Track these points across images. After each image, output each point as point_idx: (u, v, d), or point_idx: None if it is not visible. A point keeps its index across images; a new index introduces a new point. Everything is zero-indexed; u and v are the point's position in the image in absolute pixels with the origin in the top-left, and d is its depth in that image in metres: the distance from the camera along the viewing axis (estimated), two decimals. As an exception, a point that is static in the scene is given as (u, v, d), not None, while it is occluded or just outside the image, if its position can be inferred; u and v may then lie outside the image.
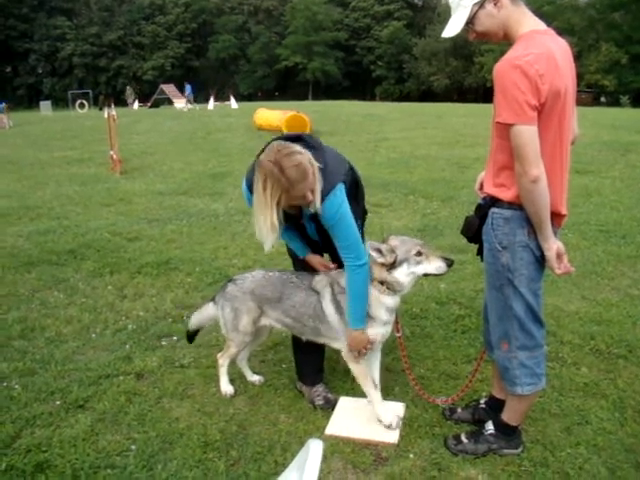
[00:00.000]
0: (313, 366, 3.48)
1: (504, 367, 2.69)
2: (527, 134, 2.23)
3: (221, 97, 51.65)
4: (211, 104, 36.54)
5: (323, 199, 2.77)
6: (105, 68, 74.77)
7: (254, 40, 76.72)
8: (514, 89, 2.20)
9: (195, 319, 3.62)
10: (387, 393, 3.43)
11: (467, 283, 5.14)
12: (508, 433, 2.84)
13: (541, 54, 2.23)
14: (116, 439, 3.03)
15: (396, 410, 3.22)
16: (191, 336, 3.72)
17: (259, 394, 3.49)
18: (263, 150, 2.81)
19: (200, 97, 55.14)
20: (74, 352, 4.02)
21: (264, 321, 3.35)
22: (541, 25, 2.41)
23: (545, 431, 3.06)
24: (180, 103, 38.61)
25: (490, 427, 2.89)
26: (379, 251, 2.89)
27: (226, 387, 3.49)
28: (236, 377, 3.64)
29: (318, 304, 3.11)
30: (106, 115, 13.22)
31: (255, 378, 3.64)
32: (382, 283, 2.96)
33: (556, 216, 2.44)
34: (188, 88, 40.39)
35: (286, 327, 3.32)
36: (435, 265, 2.89)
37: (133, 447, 2.95)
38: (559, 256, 2.44)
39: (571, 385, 3.50)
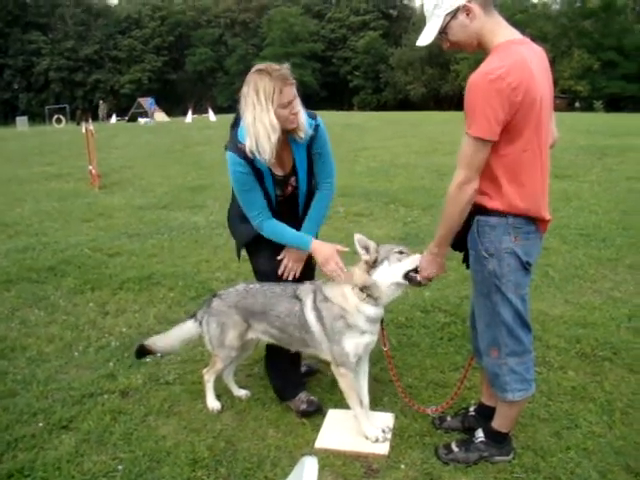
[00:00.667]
0: (292, 382, 3.48)
1: (494, 374, 2.69)
2: (487, 149, 2.31)
3: (199, 110, 51.48)
4: (189, 117, 36.48)
5: (314, 115, 3.15)
6: (82, 82, 74.18)
7: (231, 52, 76.77)
8: (484, 104, 2.25)
9: (163, 341, 3.51)
10: (376, 404, 3.41)
11: (451, 290, 5.15)
12: (499, 440, 2.84)
13: (515, 64, 2.26)
14: (102, 459, 2.97)
15: (385, 421, 3.20)
16: (142, 353, 3.56)
17: (246, 409, 3.44)
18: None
19: (178, 110, 55.00)
20: (57, 371, 3.94)
21: (251, 335, 3.32)
22: (517, 35, 2.44)
23: (535, 436, 3.05)
24: (144, 118, 38.30)
25: (480, 435, 2.88)
26: (366, 248, 2.90)
27: (213, 403, 3.45)
28: (222, 392, 3.60)
29: (301, 312, 3.09)
30: (84, 130, 13.14)
31: (242, 393, 3.60)
32: (362, 290, 2.94)
33: (540, 221, 2.46)
34: (150, 101, 40.01)
35: (273, 339, 3.29)
36: (414, 261, 2.87)
37: (120, 467, 2.89)
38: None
39: (559, 389, 3.51)
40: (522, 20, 44.42)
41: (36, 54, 72.19)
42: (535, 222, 2.45)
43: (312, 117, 3.13)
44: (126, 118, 46.01)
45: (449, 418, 3.21)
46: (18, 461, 2.97)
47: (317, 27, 73.28)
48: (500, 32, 2.40)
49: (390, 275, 2.90)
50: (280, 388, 3.51)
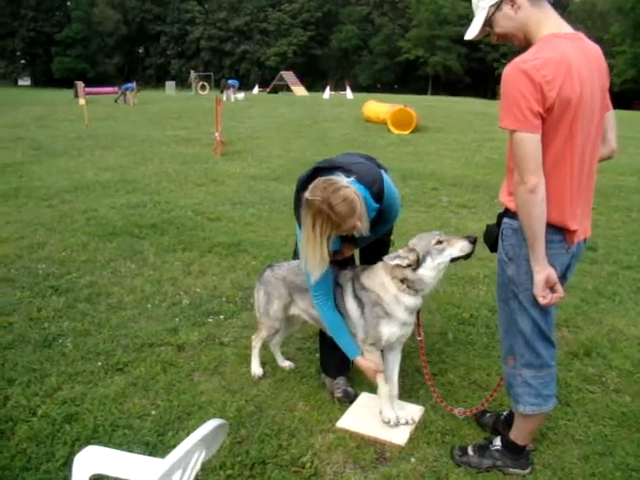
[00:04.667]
0: (337, 359, 3.52)
1: (509, 383, 2.62)
2: (528, 142, 2.16)
3: (339, 87, 52.26)
4: (327, 93, 37.07)
5: (380, 195, 2.95)
6: (230, 52, 77.75)
7: (377, 32, 76.77)
8: (517, 94, 2.13)
9: None
10: (411, 395, 3.43)
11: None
12: (515, 452, 2.75)
13: (551, 58, 2.14)
14: (141, 403, 3.24)
15: (412, 413, 3.21)
16: None
17: (285, 379, 3.58)
18: (303, 184, 2.87)
19: (319, 85, 56.04)
20: (129, 319, 4.31)
21: (294, 310, 3.43)
22: (564, 28, 2.30)
23: (562, 456, 2.91)
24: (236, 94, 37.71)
25: (497, 443, 2.82)
26: (399, 257, 2.87)
27: (256, 369, 3.62)
28: (269, 360, 3.76)
29: (340, 298, 3.14)
30: (225, 98, 13.84)
31: (286, 364, 3.74)
32: (402, 281, 2.93)
33: (567, 232, 2.33)
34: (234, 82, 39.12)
35: (313, 320, 3.38)
36: (459, 247, 2.82)
37: (153, 412, 3.15)
38: (549, 284, 2.31)
39: (606, 412, 3.30)
40: None
41: (190, 23, 76.66)
42: (561, 232, 2.33)
43: (377, 199, 2.95)
44: (267, 90, 47.69)
45: (488, 415, 3.15)
46: (73, 391, 3.33)
47: (467, 10, 70.85)
48: (547, 24, 2.28)
49: (436, 267, 2.87)
50: (325, 362, 3.61)
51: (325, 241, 2.74)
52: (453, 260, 2.89)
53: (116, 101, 29.39)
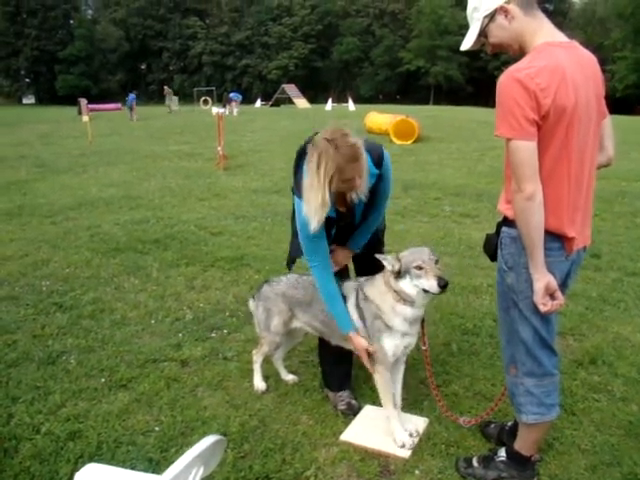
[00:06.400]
0: (340, 372, 3.51)
1: (511, 393, 2.61)
2: (524, 150, 2.17)
3: (341, 98, 52.55)
4: (329, 105, 37.21)
5: (379, 161, 3.03)
6: (232, 67, 78.38)
7: (378, 43, 77.26)
8: (512, 103, 2.15)
9: None
10: (415, 407, 3.41)
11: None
12: (520, 462, 2.73)
13: (545, 67, 2.15)
14: (145, 419, 3.24)
15: (416, 425, 3.19)
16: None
17: (288, 393, 3.58)
18: (304, 148, 2.93)
19: (321, 97, 56.34)
20: (132, 335, 4.32)
21: (295, 323, 3.44)
22: (558, 37, 2.32)
23: (568, 467, 2.88)
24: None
25: (502, 454, 2.80)
26: (387, 260, 2.92)
27: (259, 383, 3.61)
28: (273, 374, 3.76)
29: None
30: (227, 112, 13.95)
31: (289, 377, 3.73)
32: (396, 292, 2.94)
33: (565, 239, 2.33)
34: (236, 95, 38.40)
35: (316, 331, 3.39)
36: (430, 283, 2.78)
37: (157, 429, 3.14)
38: (549, 292, 2.30)
39: (612, 421, 3.27)
40: None
41: (192, 38, 77.48)
42: (559, 239, 2.33)
43: (377, 165, 3.02)
44: (270, 103, 47.95)
45: (493, 425, 3.14)
46: (77, 408, 3.34)
47: (467, 20, 71.44)
48: (541, 33, 2.30)
49: (413, 287, 2.86)
50: (327, 375, 3.59)
51: (327, 184, 2.73)
52: (425, 291, 2.86)
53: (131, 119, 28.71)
